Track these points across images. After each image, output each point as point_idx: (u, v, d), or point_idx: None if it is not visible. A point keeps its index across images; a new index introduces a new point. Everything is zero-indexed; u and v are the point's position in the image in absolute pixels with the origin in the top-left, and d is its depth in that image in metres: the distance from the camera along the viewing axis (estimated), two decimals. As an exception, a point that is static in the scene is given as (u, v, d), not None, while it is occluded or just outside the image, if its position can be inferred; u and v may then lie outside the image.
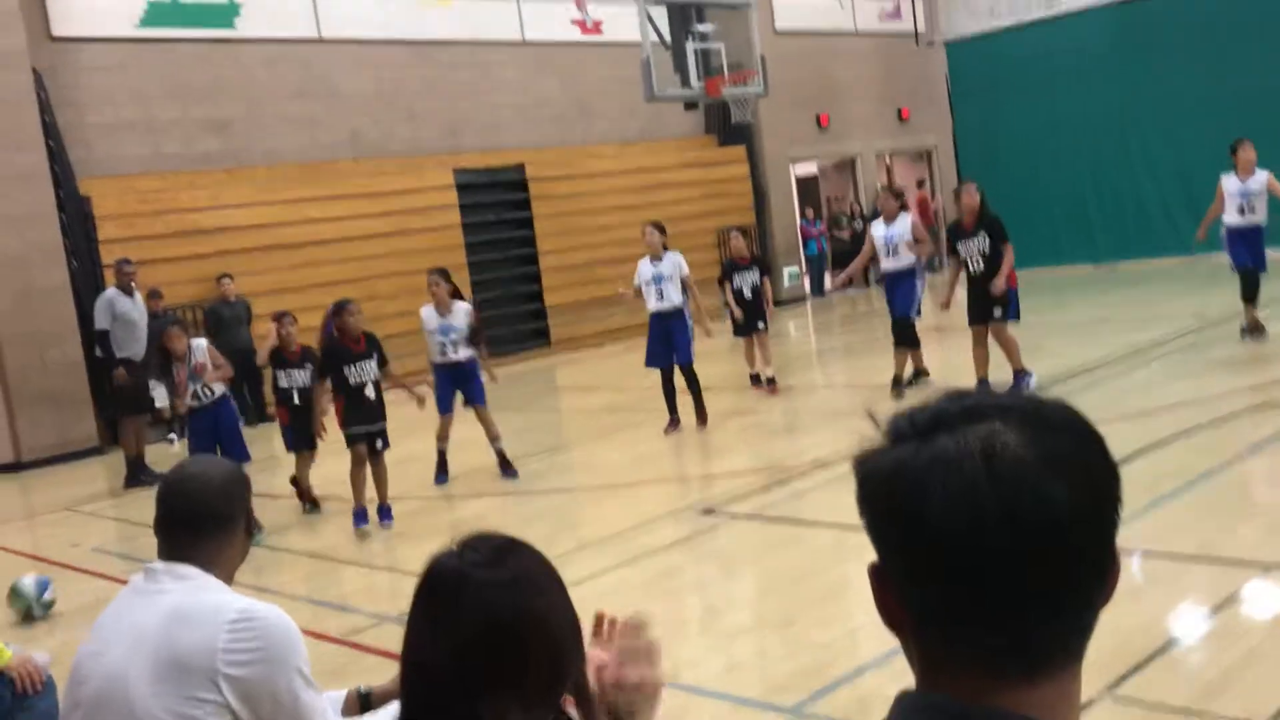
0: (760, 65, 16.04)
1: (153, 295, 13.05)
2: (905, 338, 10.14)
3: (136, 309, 11.45)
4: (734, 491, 7.53)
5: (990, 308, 9.12)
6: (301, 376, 8.22)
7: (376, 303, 15.63)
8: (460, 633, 1.42)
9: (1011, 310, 9.71)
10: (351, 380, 7.74)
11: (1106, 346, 10.98)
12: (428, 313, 8.89)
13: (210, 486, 2.31)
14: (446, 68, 17.13)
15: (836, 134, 22.34)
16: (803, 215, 21.91)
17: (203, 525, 2.27)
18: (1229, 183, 10.12)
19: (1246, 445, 7.10)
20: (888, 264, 10.33)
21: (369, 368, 7.79)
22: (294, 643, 2.18)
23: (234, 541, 2.33)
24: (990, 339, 9.21)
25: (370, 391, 7.78)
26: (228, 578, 2.30)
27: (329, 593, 6.53)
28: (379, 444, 7.82)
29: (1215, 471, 6.58)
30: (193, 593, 2.18)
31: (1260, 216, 10.02)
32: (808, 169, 23.01)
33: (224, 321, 13.84)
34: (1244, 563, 5.01)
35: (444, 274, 9.04)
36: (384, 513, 7.85)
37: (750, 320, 11.13)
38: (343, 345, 7.81)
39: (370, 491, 7.85)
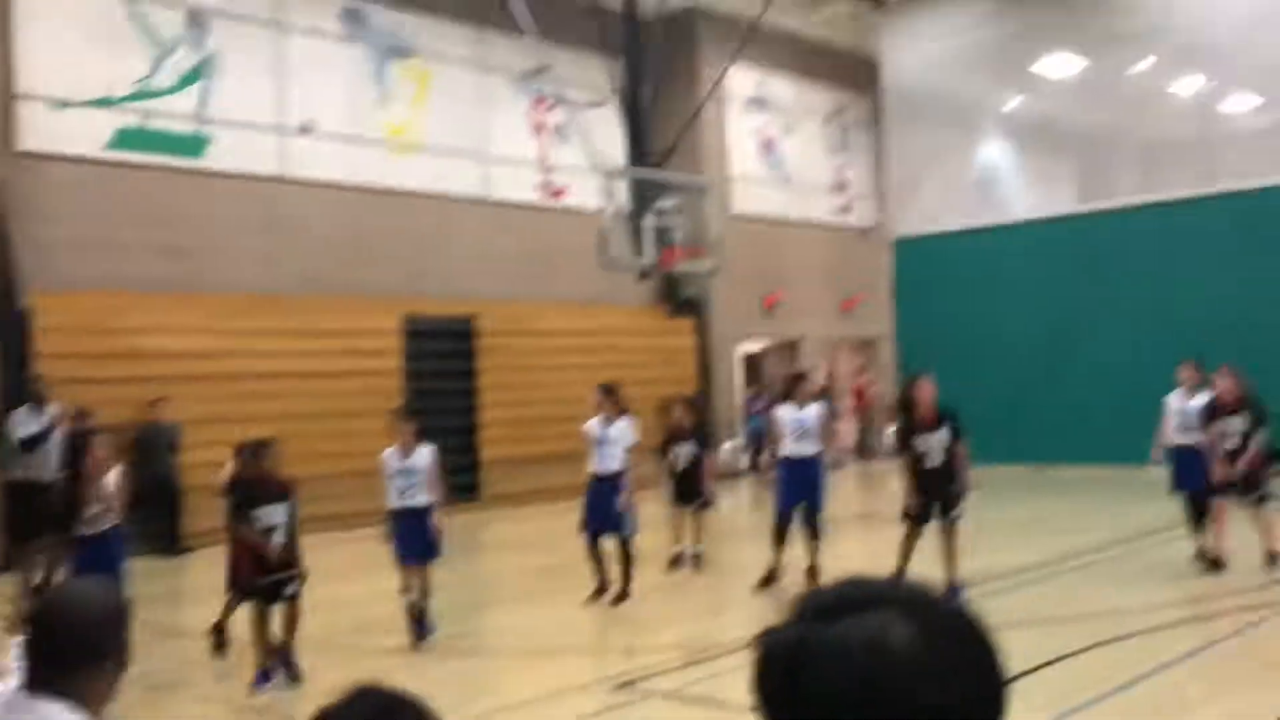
0: (714, 244, 16.49)
1: (79, 415, 12.80)
2: (814, 530, 9.72)
3: (38, 423, 10.96)
4: (652, 667, 7.38)
5: (950, 506, 8.95)
6: (281, 512, 7.60)
7: (310, 441, 15.46)
8: None
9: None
10: (260, 524, 7.42)
11: (1037, 550, 11.08)
12: (389, 454, 8.55)
13: (87, 615, 2.13)
14: (407, 216, 17.44)
15: (783, 317, 22.86)
16: (747, 391, 22.20)
17: (72, 657, 2.08)
18: (1172, 400, 10.18)
19: (1163, 660, 7.12)
20: (796, 449, 9.84)
21: (280, 511, 7.48)
22: None
23: (103, 677, 2.17)
24: (910, 538, 9.02)
25: (279, 537, 7.43)
26: (95, 714, 2.13)
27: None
28: (287, 589, 7.44)
29: (1129, 685, 6.58)
30: None
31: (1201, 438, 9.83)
32: (753, 347, 23.44)
33: (152, 446, 13.59)
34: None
35: (407, 414, 8.83)
36: (284, 664, 7.31)
37: (685, 494, 10.89)
38: (258, 485, 7.55)
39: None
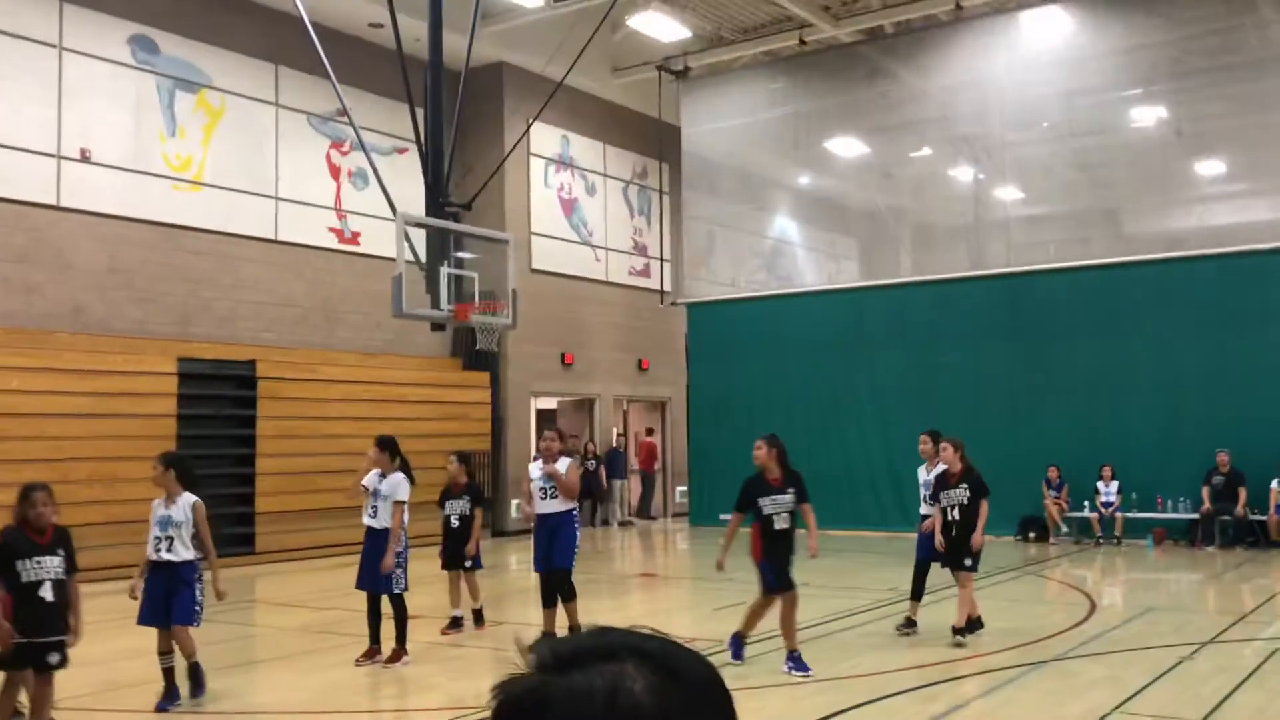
0: (512, 299, 16.45)
1: None
2: (566, 590, 9.51)
3: None
4: (421, 728, 7.17)
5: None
6: (54, 566, 6.71)
7: (71, 487, 14.48)
8: None
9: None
10: (25, 577, 6.56)
11: (807, 611, 11.37)
12: (156, 504, 7.90)
13: None
14: (189, 254, 16.70)
15: (579, 374, 23.00)
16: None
17: None
18: (920, 472, 10.68)
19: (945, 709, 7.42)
20: (543, 507, 9.60)
21: (51, 564, 6.64)
22: None
23: None
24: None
25: (47, 593, 6.58)
26: None
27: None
28: (52, 658, 6.57)
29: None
30: None
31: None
32: (548, 403, 23.45)
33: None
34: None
35: (169, 461, 8.11)
36: None
37: (455, 552, 10.61)
38: (24, 536, 6.69)
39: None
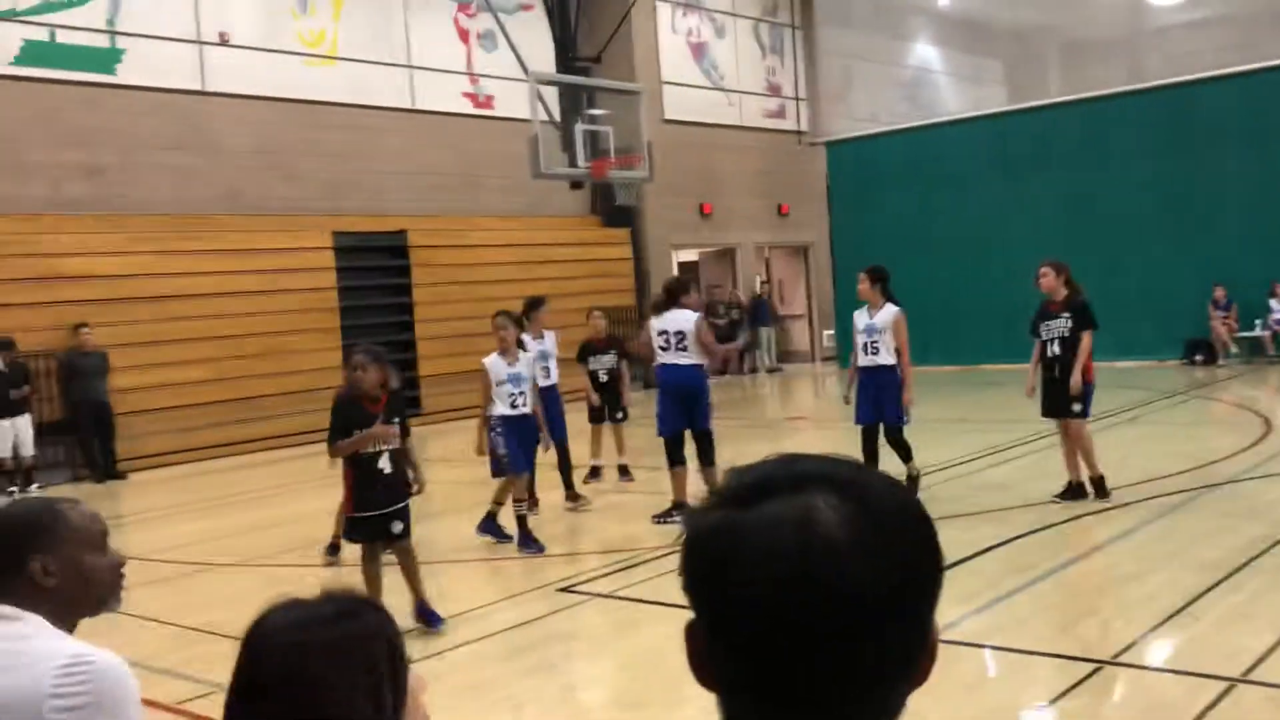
0: (647, 151, 16.34)
1: (2, 345, 12.53)
2: (709, 453, 8.71)
3: None
4: (593, 570, 7.48)
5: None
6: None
7: (245, 361, 15.29)
8: (253, 680, 1.41)
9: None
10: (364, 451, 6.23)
11: (965, 445, 11.32)
12: (493, 361, 8.25)
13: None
14: (331, 129, 17.02)
15: (718, 224, 22.82)
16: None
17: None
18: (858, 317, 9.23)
19: (1089, 545, 7.37)
20: (668, 358, 8.74)
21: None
22: (129, 692, 2.07)
23: (35, 587, 2.19)
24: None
25: (386, 464, 6.26)
26: (65, 626, 2.16)
27: (168, 658, 6.25)
28: (395, 527, 6.29)
29: (1057, 569, 6.80)
30: (14, 638, 2.06)
31: None
32: (689, 255, 23.41)
33: (79, 372, 13.35)
34: (1081, 659, 5.16)
35: (513, 316, 8.41)
36: (430, 617, 6.30)
37: (606, 407, 10.57)
38: (359, 407, 6.25)
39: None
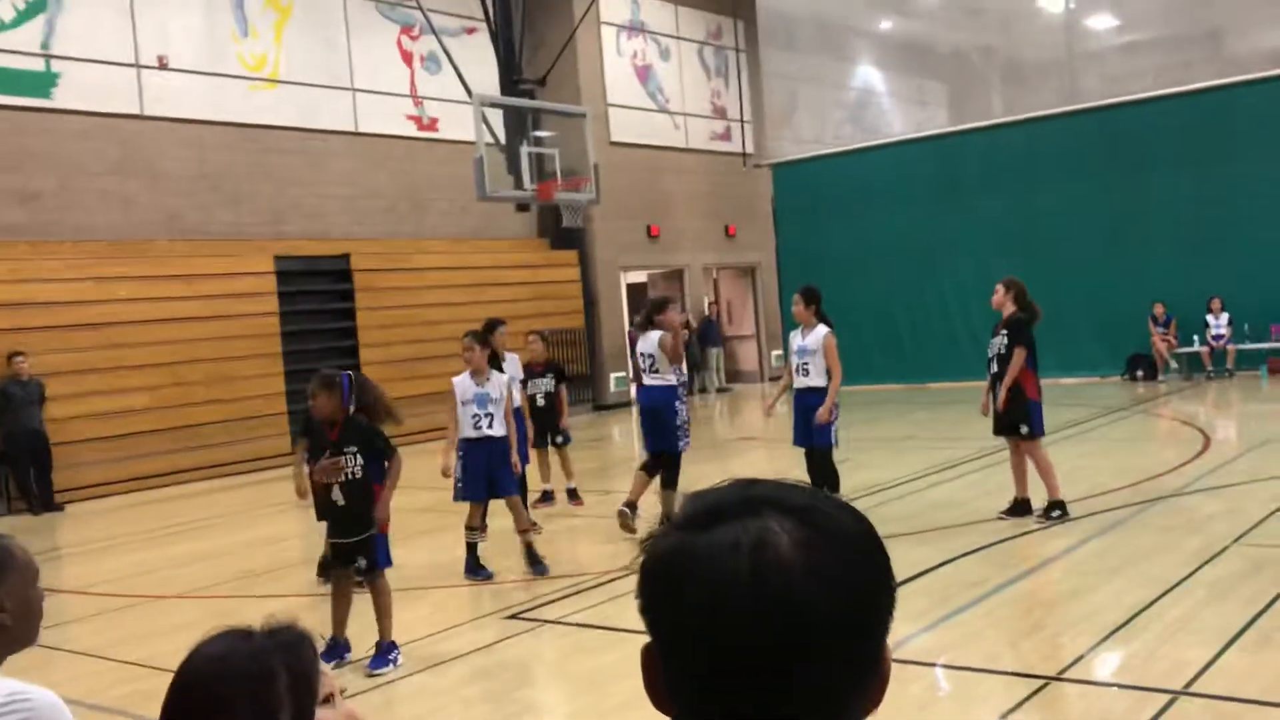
0: (594, 173, 16.33)
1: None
2: (670, 476, 8.78)
3: None
4: (545, 596, 7.40)
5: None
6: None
7: (186, 389, 15.05)
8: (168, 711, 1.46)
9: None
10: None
11: (913, 463, 11.39)
12: (461, 381, 8.01)
13: None
14: (273, 152, 16.87)
15: (666, 245, 22.88)
16: (631, 322, 22.23)
17: None
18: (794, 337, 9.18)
19: (1036, 560, 7.43)
20: (644, 379, 8.89)
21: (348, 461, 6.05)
22: None
23: None
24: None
25: (338, 495, 6.05)
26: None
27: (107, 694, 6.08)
28: (360, 563, 6.08)
29: (1004, 586, 6.84)
30: None
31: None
32: (638, 277, 23.44)
33: (14, 401, 13.05)
34: (1029, 675, 5.18)
35: (479, 336, 8.14)
36: (375, 661, 6.04)
37: (544, 431, 10.50)
38: (319, 429, 6.16)
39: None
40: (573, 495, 10.83)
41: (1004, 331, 8.52)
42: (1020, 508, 8.50)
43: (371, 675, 5.97)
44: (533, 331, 11.18)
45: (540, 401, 10.59)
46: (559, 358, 10.66)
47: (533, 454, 10.63)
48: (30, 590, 2.18)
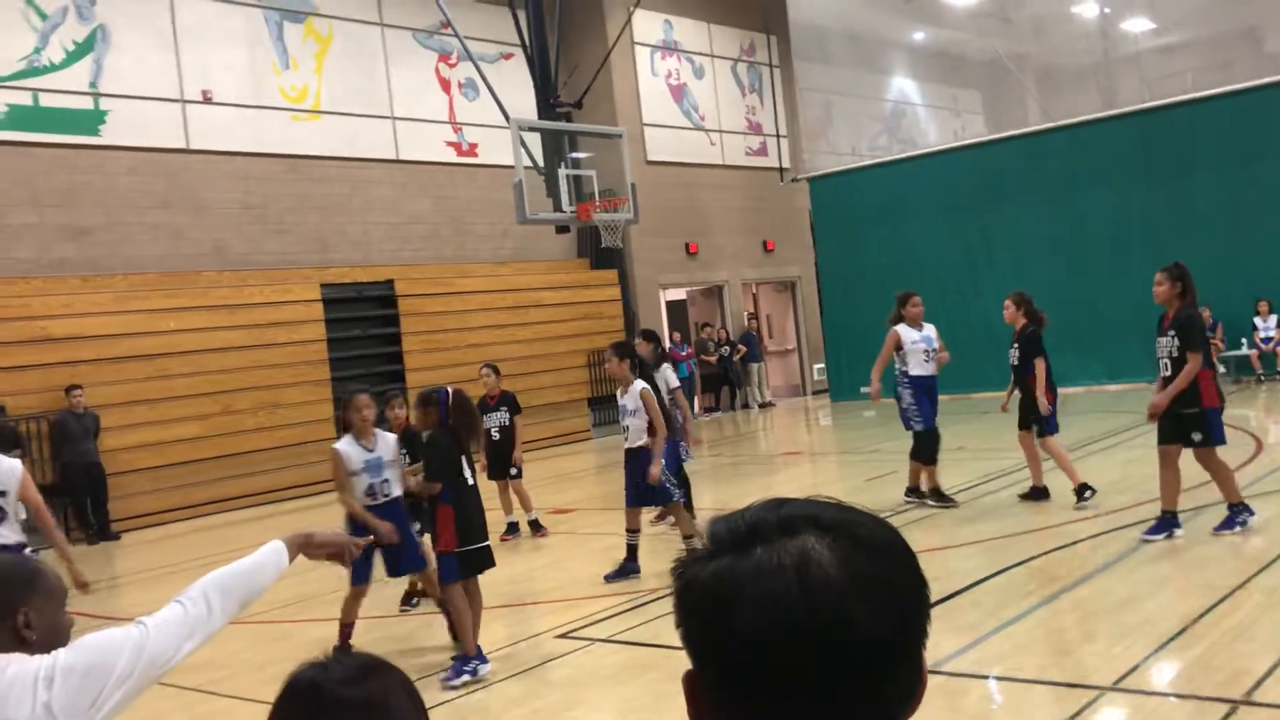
0: (631, 193, 16.43)
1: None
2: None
3: None
4: (589, 617, 7.45)
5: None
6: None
7: (236, 417, 15.27)
8: None
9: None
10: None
11: (961, 474, 11.32)
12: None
13: None
14: (316, 181, 17.13)
15: (705, 262, 22.92)
16: (671, 339, 22.26)
17: None
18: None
19: (1086, 570, 7.37)
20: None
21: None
22: (113, 641, 2.10)
23: (16, 637, 2.21)
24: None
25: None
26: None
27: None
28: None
29: (1056, 595, 6.79)
30: None
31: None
32: (677, 294, 23.50)
33: (71, 434, 13.30)
34: (1083, 685, 5.15)
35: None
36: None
37: (498, 464, 10.39)
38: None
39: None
40: (536, 526, 10.67)
41: (1016, 345, 9.37)
42: (1038, 493, 9.42)
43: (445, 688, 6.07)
44: (485, 364, 10.99)
45: (495, 435, 10.39)
46: (597, 376, 10.57)
47: (492, 487, 10.49)
48: (59, 614, 2.25)
